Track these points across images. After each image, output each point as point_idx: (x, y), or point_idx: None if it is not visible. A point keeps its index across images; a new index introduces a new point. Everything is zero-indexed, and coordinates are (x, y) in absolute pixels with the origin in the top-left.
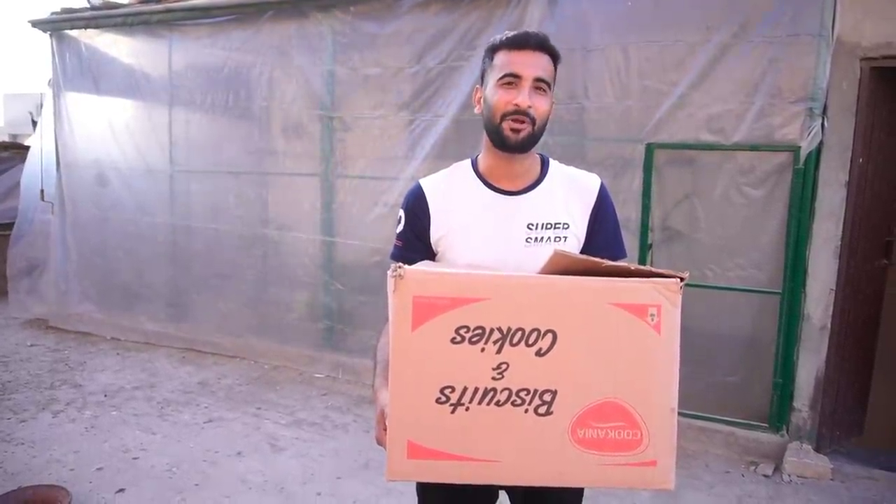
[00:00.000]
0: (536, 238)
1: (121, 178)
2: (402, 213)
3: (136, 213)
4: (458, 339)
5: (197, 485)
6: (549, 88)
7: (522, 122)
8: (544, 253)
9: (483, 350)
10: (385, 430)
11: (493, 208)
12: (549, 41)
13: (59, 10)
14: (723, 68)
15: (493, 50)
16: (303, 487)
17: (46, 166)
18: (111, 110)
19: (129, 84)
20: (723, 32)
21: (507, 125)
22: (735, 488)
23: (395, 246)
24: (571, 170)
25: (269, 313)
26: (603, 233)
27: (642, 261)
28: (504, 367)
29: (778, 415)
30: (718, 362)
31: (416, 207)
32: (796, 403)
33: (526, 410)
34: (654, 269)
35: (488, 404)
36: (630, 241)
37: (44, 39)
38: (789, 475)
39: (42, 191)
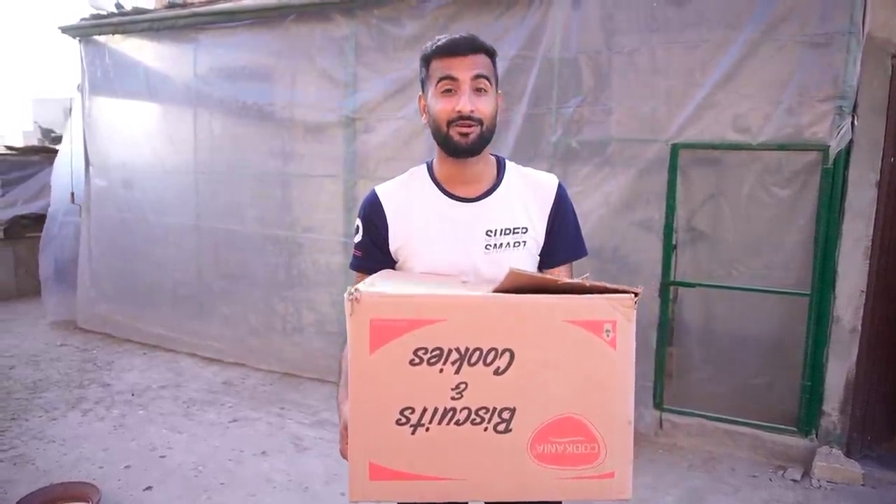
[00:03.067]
0: (496, 244)
1: (147, 181)
2: (358, 221)
3: (161, 215)
4: (417, 360)
5: (223, 483)
6: (492, 84)
7: (469, 125)
8: (504, 259)
9: (441, 371)
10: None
11: (451, 217)
12: (479, 41)
13: (87, 16)
14: (750, 67)
15: (426, 60)
16: (326, 487)
17: (76, 170)
18: (137, 114)
19: (154, 88)
20: (750, 31)
21: (454, 132)
22: (762, 492)
23: (354, 255)
24: (529, 171)
25: (291, 314)
26: (562, 233)
27: (667, 262)
28: (463, 386)
29: (807, 418)
30: (745, 364)
31: (373, 215)
32: (826, 407)
33: (485, 429)
34: (608, 285)
35: (448, 424)
36: (654, 242)
37: (73, 45)
38: (819, 480)
39: (73, 193)
